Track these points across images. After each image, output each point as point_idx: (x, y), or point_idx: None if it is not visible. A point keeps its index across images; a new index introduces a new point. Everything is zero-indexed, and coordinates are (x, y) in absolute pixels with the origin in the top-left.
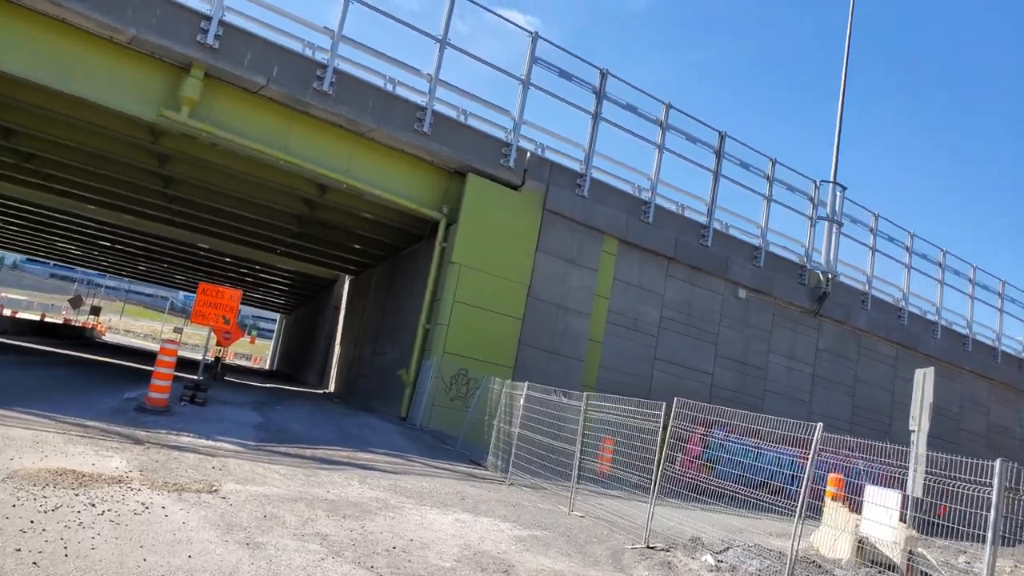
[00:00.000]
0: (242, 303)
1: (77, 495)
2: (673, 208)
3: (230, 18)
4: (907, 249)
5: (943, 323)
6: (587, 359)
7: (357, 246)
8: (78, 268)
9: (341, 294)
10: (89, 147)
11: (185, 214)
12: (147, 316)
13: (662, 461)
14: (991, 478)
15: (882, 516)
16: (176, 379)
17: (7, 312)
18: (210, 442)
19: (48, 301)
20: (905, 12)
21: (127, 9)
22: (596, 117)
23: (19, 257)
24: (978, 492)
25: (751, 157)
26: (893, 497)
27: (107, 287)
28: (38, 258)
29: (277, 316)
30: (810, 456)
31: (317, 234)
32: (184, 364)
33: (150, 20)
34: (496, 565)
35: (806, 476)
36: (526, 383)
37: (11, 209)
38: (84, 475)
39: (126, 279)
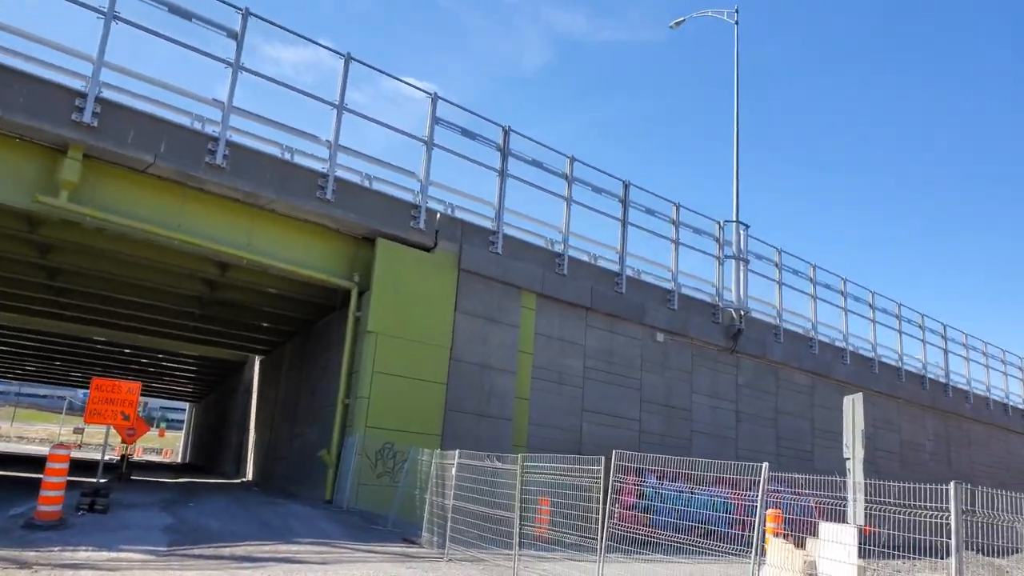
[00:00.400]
0: (148, 395)
1: None
2: (586, 258)
3: (108, 95)
4: (811, 280)
5: (851, 348)
6: (515, 418)
7: (265, 324)
8: None
9: (252, 376)
10: None
11: (75, 306)
12: (43, 419)
13: (604, 516)
14: (946, 502)
15: (840, 554)
16: (75, 485)
17: None
18: (112, 554)
19: None
20: (787, 60)
21: None
22: (503, 174)
23: None
24: (935, 519)
25: (656, 203)
26: (850, 533)
27: None
28: None
29: (186, 405)
30: (759, 496)
31: (221, 315)
32: (86, 467)
33: (17, 100)
34: None
35: (757, 518)
36: (456, 451)
37: None
38: None
39: (15, 382)
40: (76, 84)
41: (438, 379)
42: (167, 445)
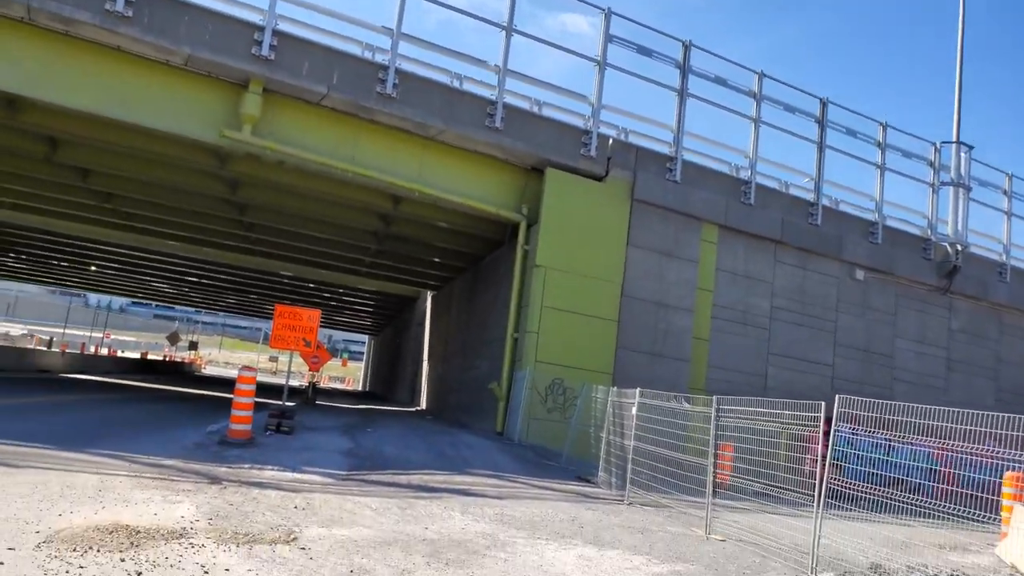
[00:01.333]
0: (331, 327)
1: (123, 560)
2: (776, 186)
3: (284, 27)
4: None
5: None
6: (693, 359)
7: (436, 259)
8: (176, 307)
9: (424, 310)
10: (162, 181)
11: (264, 242)
12: (244, 348)
13: (784, 467)
14: None
15: None
16: (266, 407)
17: (108, 352)
18: (295, 475)
19: (152, 340)
20: None
21: (179, 27)
22: (682, 94)
23: (124, 301)
24: None
25: (858, 124)
26: None
27: (204, 323)
28: (139, 300)
29: (366, 338)
30: None
31: (395, 250)
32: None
33: (203, 37)
34: None
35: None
36: (636, 390)
37: (102, 252)
38: (139, 531)
39: (220, 313)
40: (254, 18)
41: (609, 316)
42: (349, 374)
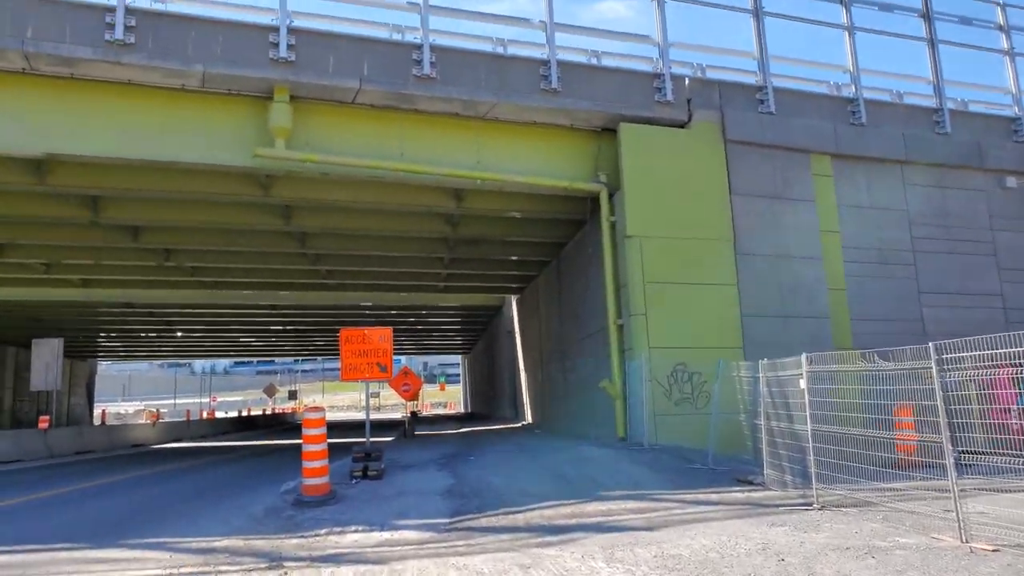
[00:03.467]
0: (424, 353)
1: None
2: (887, 98)
3: (300, 23)
4: None
5: None
6: (833, 314)
7: (514, 257)
8: (276, 361)
9: (511, 317)
10: (212, 223)
11: (335, 273)
12: (346, 389)
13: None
14: None
15: None
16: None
17: (204, 415)
18: (384, 535)
19: (256, 397)
20: None
21: (187, 45)
22: (757, 13)
23: (227, 363)
24: None
25: (971, 9)
26: None
27: (303, 371)
28: (240, 359)
29: (459, 358)
30: None
31: (469, 256)
32: (385, 427)
33: (215, 51)
34: None
35: None
36: (803, 356)
37: (182, 315)
38: None
39: (319, 359)
40: (266, 20)
41: (725, 280)
42: (450, 398)
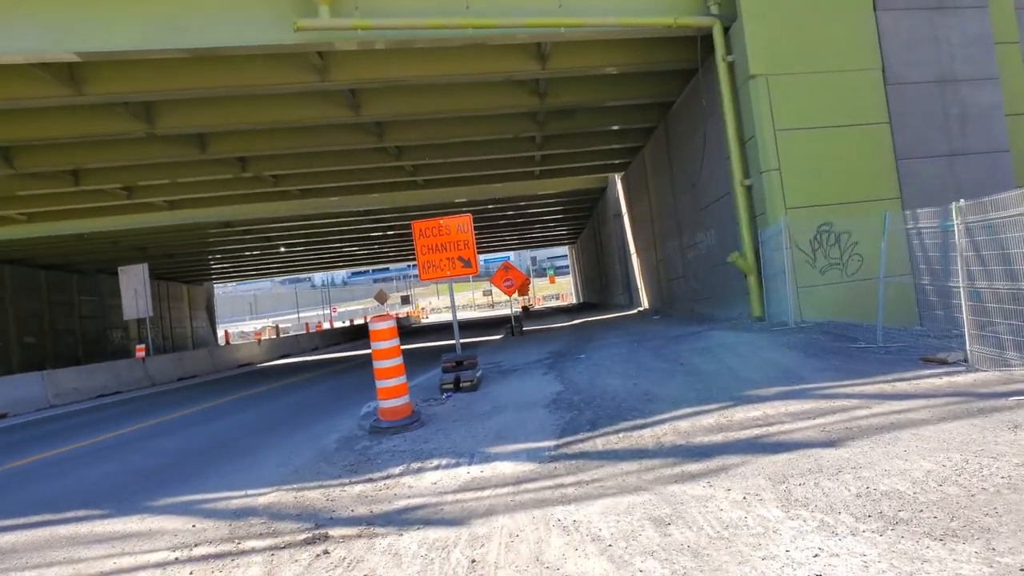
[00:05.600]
0: (531, 246)
1: None
2: None
3: None
4: None
5: None
6: (1014, 145)
7: (615, 126)
8: (391, 268)
9: (617, 197)
10: (276, 122)
11: (423, 168)
12: (459, 289)
13: None
14: None
15: None
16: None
17: (319, 328)
18: (472, 470)
19: (374, 304)
20: None
21: None
22: None
23: (345, 274)
24: None
25: None
26: None
27: (415, 275)
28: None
29: (566, 249)
30: None
31: (563, 131)
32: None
33: None
34: None
35: None
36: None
37: (279, 230)
38: None
39: None
40: None
41: (874, 118)
42: (561, 290)
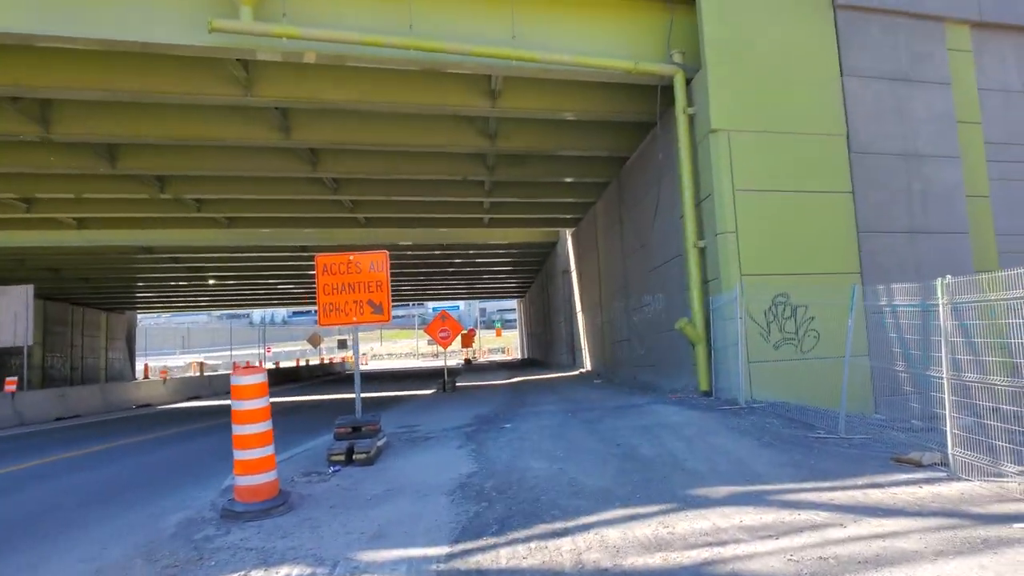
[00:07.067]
0: (480, 296)
1: None
2: None
3: None
4: None
5: None
6: (973, 227)
7: (567, 179)
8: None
9: (566, 253)
10: (195, 139)
11: (361, 205)
12: (404, 336)
13: None
14: None
15: None
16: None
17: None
18: None
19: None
20: None
21: None
22: None
23: (286, 313)
24: None
25: None
26: None
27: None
28: (287, 307)
29: (514, 303)
30: None
31: (514, 178)
32: (424, 377)
33: None
34: None
35: None
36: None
37: (205, 260)
38: None
39: None
40: None
41: (837, 186)
42: (508, 343)
